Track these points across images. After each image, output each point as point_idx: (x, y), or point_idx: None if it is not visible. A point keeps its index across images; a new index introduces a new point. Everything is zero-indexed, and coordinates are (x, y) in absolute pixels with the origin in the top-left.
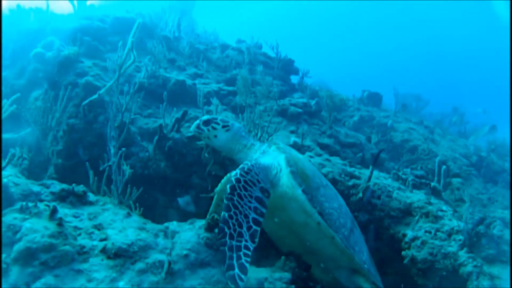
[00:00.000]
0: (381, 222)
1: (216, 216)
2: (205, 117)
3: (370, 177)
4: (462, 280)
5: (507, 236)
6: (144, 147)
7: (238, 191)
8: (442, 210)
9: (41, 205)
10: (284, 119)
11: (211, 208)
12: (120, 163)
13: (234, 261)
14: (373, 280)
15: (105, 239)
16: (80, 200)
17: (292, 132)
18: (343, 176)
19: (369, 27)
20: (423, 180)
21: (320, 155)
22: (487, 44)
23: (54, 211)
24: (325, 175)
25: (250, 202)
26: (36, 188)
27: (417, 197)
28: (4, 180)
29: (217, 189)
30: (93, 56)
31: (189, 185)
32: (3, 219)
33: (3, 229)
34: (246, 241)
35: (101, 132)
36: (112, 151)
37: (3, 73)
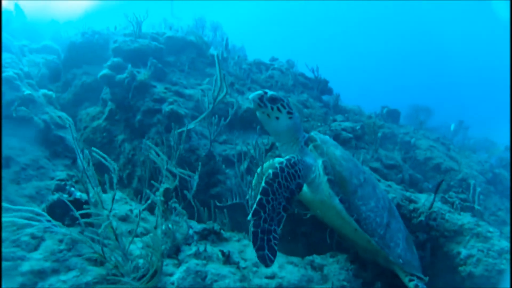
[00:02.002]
0: (436, 241)
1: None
2: (272, 93)
3: (432, 204)
4: None
5: None
6: (227, 174)
7: (279, 179)
8: (490, 232)
9: (209, 249)
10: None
11: (253, 184)
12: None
13: (265, 243)
14: (407, 270)
15: (272, 277)
16: (219, 237)
17: None
18: (403, 200)
19: (366, 27)
20: (467, 204)
21: (378, 180)
22: (487, 45)
23: (229, 256)
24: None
25: (285, 192)
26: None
27: (466, 219)
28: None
29: (258, 170)
30: (159, 79)
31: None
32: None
33: (192, 275)
34: (275, 225)
35: (189, 162)
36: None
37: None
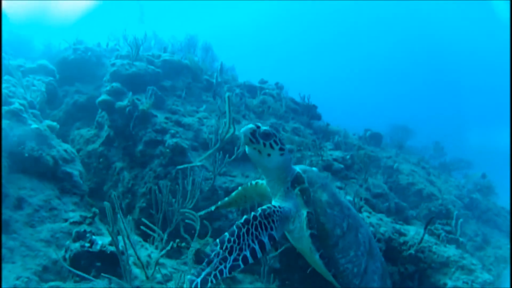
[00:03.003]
0: (424, 272)
1: None
2: (265, 128)
3: (422, 239)
4: None
5: None
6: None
7: (249, 226)
8: (473, 264)
9: None
10: (329, 173)
11: (227, 200)
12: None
13: (203, 273)
14: None
15: None
16: (233, 280)
17: (339, 188)
18: (394, 234)
19: (363, 26)
20: (451, 236)
21: (370, 212)
22: (487, 44)
23: None
24: (383, 234)
25: (253, 242)
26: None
27: (452, 251)
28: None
29: (240, 188)
30: (158, 106)
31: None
32: None
33: None
34: (225, 267)
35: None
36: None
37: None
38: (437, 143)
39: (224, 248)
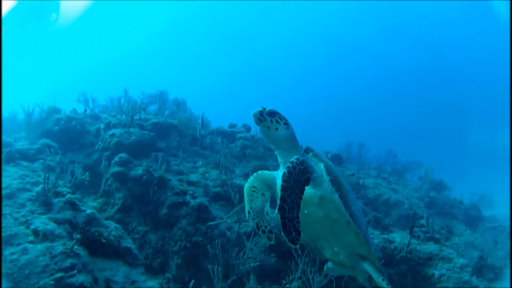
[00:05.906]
0: (415, 268)
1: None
2: (270, 108)
3: (409, 243)
4: None
5: (497, 264)
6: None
7: (294, 176)
8: (450, 253)
9: None
10: None
11: (246, 205)
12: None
13: (292, 229)
14: (379, 267)
15: None
16: None
17: None
18: (386, 243)
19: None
20: (428, 234)
21: None
22: (487, 44)
23: None
24: (377, 245)
25: (298, 185)
26: None
27: (432, 247)
28: None
29: (247, 185)
30: (166, 170)
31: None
32: None
33: None
34: (296, 212)
35: (222, 244)
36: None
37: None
38: (389, 151)
39: (289, 203)
